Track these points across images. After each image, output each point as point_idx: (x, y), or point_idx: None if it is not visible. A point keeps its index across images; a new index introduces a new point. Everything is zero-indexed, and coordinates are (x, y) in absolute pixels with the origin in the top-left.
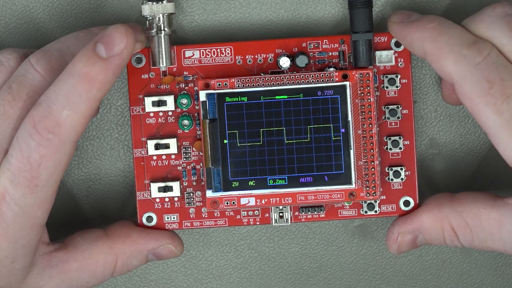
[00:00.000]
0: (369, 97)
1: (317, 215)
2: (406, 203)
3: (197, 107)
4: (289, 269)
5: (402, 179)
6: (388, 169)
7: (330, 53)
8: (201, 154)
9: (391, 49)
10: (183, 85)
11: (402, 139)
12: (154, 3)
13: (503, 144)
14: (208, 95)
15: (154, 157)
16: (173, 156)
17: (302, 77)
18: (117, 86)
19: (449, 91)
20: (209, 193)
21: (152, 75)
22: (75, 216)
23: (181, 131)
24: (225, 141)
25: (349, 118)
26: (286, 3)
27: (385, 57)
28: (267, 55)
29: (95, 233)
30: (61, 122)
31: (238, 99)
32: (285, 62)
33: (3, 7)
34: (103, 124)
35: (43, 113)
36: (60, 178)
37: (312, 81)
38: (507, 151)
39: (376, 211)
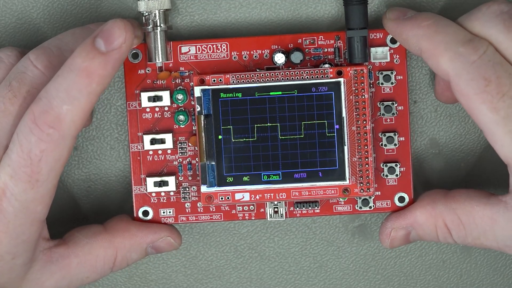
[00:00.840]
0: (364, 94)
1: (312, 211)
2: (401, 199)
3: (192, 103)
4: (289, 269)
5: (396, 175)
6: (383, 165)
7: (326, 50)
8: (197, 149)
9: (386, 45)
10: (179, 81)
11: (397, 136)
12: None
13: (499, 141)
14: (203, 90)
15: (150, 152)
16: (169, 151)
17: (297, 73)
18: (117, 87)
19: (442, 89)
20: (204, 188)
21: (148, 70)
22: (75, 216)
23: (177, 126)
24: (220, 137)
25: (343, 114)
26: (285, 3)
27: (380, 54)
28: (263, 51)
29: (94, 229)
30: (61, 116)
31: (233, 95)
32: (280, 58)
33: (2, 7)
34: (103, 124)
35: (43, 108)
36: (60, 172)
37: (307, 77)
38: (503, 148)
39: (370, 207)
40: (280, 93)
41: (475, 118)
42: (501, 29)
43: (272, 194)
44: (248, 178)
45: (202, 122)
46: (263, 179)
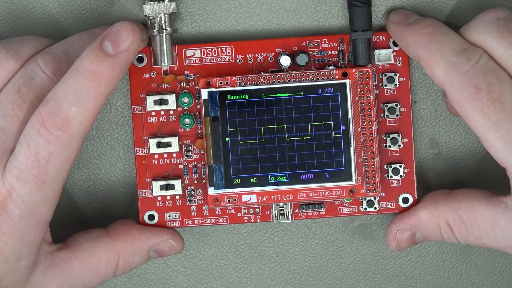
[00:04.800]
0: (369, 95)
1: (317, 212)
2: (405, 200)
3: (198, 106)
4: (289, 269)
5: (401, 176)
6: (387, 167)
7: (330, 52)
8: (202, 152)
9: (390, 48)
10: (185, 84)
11: (401, 137)
12: (156, 2)
13: (493, 146)
14: (210, 93)
15: (156, 156)
16: (174, 155)
17: (303, 75)
18: (117, 86)
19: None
20: (211, 190)
21: (153, 74)
22: (75, 217)
23: (182, 130)
24: (227, 139)
25: (349, 115)
26: (286, 2)
27: (384, 56)
28: (268, 54)
29: (96, 232)
30: (69, 118)
31: (240, 97)
32: (285, 60)
33: (3, 6)
34: (103, 124)
35: (51, 110)
36: (67, 174)
37: (313, 79)
38: (497, 153)
39: (375, 208)
40: (287, 94)
41: (470, 125)
42: (495, 35)
43: (279, 196)
44: (255, 180)
45: (209, 124)
46: (270, 180)
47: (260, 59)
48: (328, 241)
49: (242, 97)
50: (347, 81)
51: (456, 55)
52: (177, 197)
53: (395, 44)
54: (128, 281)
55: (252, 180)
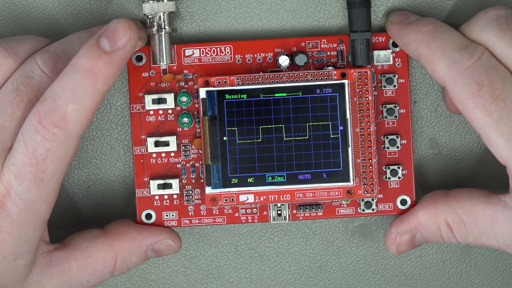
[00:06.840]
0: (367, 95)
1: (314, 213)
2: (403, 202)
3: (196, 105)
4: (289, 269)
5: (399, 177)
6: (385, 168)
7: (329, 53)
8: (200, 152)
9: (389, 49)
10: (183, 83)
11: (399, 138)
12: (155, 1)
13: (494, 143)
14: (208, 92)
15: (154, 155)
16: (172, 154)
17: (301, 75)
18: (117, 86)
19: (451, 99)
20: (208, 190)
21: (152, 73)
22: (74, 217)
23: (180, 129)
24: (225, 138)
25: (348, 116)
26: (286, 2)
27: (383, 57)
28: (266, 54)
29: (94, 232)
30: (66, 116)
31: (238, 96)
32: (284, 60)
33: (3, 6)
34: (103, 124)
35: (48, 107)
36: (65, 172)
37: (311, 79)
38: (498, 150)
39: (373, 210)
40: (285, 94)
41: (471, 122)
42: (497, 33)
43: (276, 196)
44: (252, 180)
45: (207, 123)
46: (268, 180)
47: (259, 59)
48: (328, 241)
49: (240, 96)
50: (346, 81)
51: (457, 52)
52: (175, 196)
53: (394, 45)
54: (128, 281)
55: (250, 180)
